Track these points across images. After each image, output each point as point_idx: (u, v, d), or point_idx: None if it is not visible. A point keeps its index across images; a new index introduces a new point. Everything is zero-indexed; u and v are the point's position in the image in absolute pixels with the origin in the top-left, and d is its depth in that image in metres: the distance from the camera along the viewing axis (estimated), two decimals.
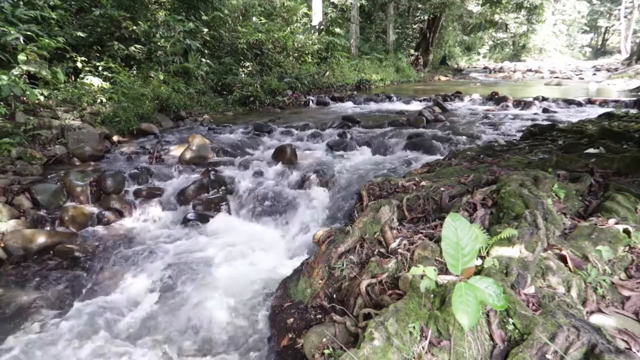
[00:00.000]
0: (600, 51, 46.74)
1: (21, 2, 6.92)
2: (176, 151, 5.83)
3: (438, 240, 2.22)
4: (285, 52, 14.15)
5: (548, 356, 1.43)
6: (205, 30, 11.18)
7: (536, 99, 10.49)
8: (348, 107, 11.13)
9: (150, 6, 11.03)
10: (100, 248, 3.67)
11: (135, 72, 9.15)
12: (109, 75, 8.05)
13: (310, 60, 14.99)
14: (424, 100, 11.38)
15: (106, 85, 7.70)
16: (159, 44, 9.71)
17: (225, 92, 10.94)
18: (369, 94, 13.16)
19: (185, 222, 4.14)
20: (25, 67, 5.94)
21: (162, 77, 9.11)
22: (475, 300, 1.26)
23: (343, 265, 2.51)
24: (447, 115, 8.95)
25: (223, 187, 4.70)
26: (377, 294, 2.13)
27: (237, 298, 2.89)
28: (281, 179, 4.91)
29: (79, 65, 7.72)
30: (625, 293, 1.85)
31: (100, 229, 4.04)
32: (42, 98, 6.20)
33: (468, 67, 30.96)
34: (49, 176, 4.65)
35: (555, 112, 9.16)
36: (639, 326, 1.67)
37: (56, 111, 6.31)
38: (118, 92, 7.63)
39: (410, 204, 3.08)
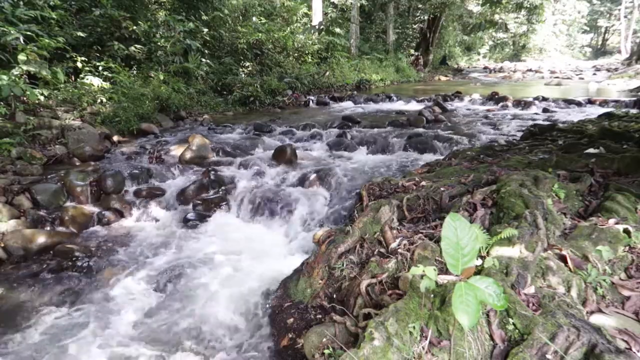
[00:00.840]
0: (600, 51, 46.75)
1: (21, 2, 6.92)
2: (176, 151, 5.83)
3: (438, 240, 2.22)
4: (285, 52, 14.15)
5: (548, 356, 1.43)
6: (205, 30, 11.18)
7: (536, 99, 10.50)
8: (348, 107, 11.13)
9: (150, 6, 11.04)
10: (101, 248, 3.67)
11: (135, 72, 9.15)
12: (109, 75, 8.05)
13: (310, 60, 14.99)
14: (424, 100, 11.39)
15: (106, 85, 7.70)
16: (159, 44, 9.71)
17: (225, 92, 10.94)
18: (369, 94, 13.16)
19: (185, 222, 4.14)
20: (25, 67, 5.94)
21: (162, 77, 9.11)
22: (475, 300, 1.26)
23: (343, 265, 2.51)
24: (447, 115, 8.95)
25: (223, 187, 4.70)
26: (377, 294, 2.13)
27: (237, 298, 2.89)
28: (281, 179, 4.91)
29: (79, 65, 7.72)
30: (625, 293, 1.85)
31: (100, 229, 4.04)
32: (42, 98, 6.20)
33: (468, 67, 30.96)
34: (49, 176, 4.65)
35: (555, 112, 9.16)
36: (639, 326, 1.67)
37: (56, 111, 6.31)
38: (118, 92, 7.63)
39: (410, 204, 3.08)
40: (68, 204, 4.29)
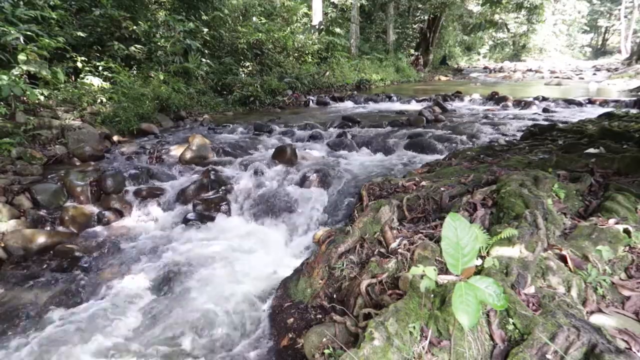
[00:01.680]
0: (600, 51, 46.74)
1: (21, 2, 6.92)
2: (176, 151, 5.83)
3: (438, 240, 2.22)
4: (285, 52, 14.15)
5: (548, 356, 1.43)
6: (205, 30, 11.18)
7: (536, 98, 10.49)
8: (348, 107, 11.13)
9: (150, 6, 11.03)
10: (101, 248, 3.67)
11: (135, 72, 9.15)
12: (109, 75, 8.05)
13: (310, 60, 14.99)
14: (424, 100, 11.38)
15: (106, 85, 7.70)
16: (159, 44, 9.71)
17: (225, 92, 10.94)
18: (369, 94, 13.16)
19: (185, 222, 4.14)
20: (25, 67, 5.94)
21: (162, 77, 9.11)
22: (475, 300, 1.26)
23: (343, 265, 2.51)
24: (447, 115, 8.95)
25: (223, 187, 4.70)
26: (377, 294, 2.13)
27: (237, 298, 2.89)
28: (281, 179, 4.91)
29: (79, 65, 7.71)
30: (625, 293, 1.85)
31: (100, 229, 4.04)
32: (42, 98, 6.20)
33: (468, 67, 30.95)
34: (49, 176, 4.65)
35: (555, 112, 9.16)
36: (639, 326, 1.67)
37: (56, 111, 6.31)
38: (118, 92, 7.63)
39: (410, 204, 3.08)
40: (68, 203, 4.29)
